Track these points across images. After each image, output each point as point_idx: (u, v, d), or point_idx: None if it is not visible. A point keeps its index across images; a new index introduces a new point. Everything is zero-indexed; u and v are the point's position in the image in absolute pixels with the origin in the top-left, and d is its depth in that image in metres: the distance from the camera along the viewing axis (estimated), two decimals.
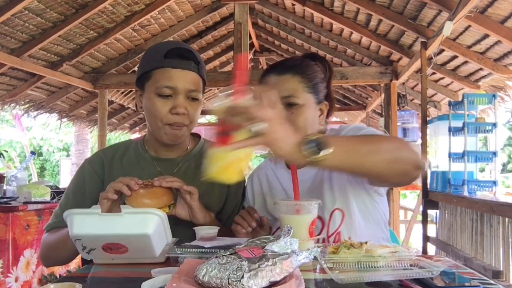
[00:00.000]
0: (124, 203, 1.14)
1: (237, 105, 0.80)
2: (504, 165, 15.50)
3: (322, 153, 0.85)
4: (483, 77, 4.22)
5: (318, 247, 0.86)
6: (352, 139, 1.04)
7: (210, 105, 1.11)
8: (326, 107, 1.31)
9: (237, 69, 0.87)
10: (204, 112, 7.85)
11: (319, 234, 1.23)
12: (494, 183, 3.59)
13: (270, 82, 1.25)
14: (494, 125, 3.70)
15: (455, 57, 4.13)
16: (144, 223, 1.00)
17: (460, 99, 4.06)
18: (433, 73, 4.47)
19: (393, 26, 4.16)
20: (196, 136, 1.49)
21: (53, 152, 16.06)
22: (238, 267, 0.70)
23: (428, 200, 3.69)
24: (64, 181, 11.35)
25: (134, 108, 6.78)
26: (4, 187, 3.52)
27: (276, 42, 6.80)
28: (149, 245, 1.01)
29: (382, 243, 1.09)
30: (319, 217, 1.22)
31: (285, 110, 1.18)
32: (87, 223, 1.01)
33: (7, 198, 3.30)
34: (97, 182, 1.36)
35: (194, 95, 1.29)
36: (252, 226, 1.16)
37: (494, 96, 3.78)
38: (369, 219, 1.26)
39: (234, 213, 1.40)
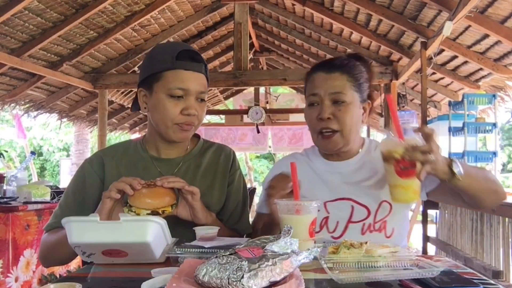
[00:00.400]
0: (127, 203, 1.15)
1: (417, 144, 1.05)
2: (504, 165, 15.49)
3: (459, 173, 1.10)
4: (483, 77, 4.22)
5: (318, 246, 0.86)
6: (471, 167, 1.22)
7: (381, 146, 1.28)
8: (369, 106, 1.38)
9: (391, 112, 1.12)
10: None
11: (364, 219, 1.29)
12: None
13: (318, 79, 1.30)
14: (494, 125, 3.70)
15: (455, 57, 4.13)
16: (143, 231, 0.98)
17: (460, 99, 4.07)
18: (433, 73, 4.47)
19: (393, 26, 4.16)
20: (195, 136, 1.49)
21: (53, 152, 16.05)
22: (238, 267, 0.70)
23: (428, 200, 3.69)
24: (64, 181, 11.34)
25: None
26: (4, 187, 3.52)
27: (276, 42, 6.80)
28: (149, 251, 1.00)
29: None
30: (364, 205, 1.29)
31: (332, 107, 1.27)
32: (85, 231, 0.99)
33: (7, 198, 3.30)
34: (97, 182, 1.36)
35: (202, 96, 1.32)
36: (288, 188, 1.17)
37: (494, 96, 3.78)
38: (405, 221, 1.39)
39: (235, 213, 1.41)
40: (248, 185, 1.51)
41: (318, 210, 1.26)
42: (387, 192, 1.25)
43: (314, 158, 1.41)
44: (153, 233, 0.99)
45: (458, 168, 1.10)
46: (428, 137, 1.07)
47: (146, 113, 1.36)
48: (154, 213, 1.13)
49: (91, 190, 1.34)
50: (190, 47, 1.36)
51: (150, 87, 1.30)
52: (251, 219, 1.46)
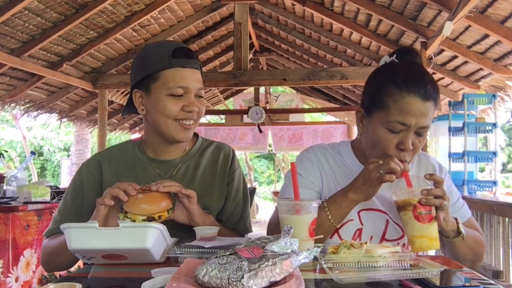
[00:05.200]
0: (122, 208, 1.13)
1: (432, 189, 1.08)
2: (504, 165, 15.49)
3: (463, 233, 1.16)
4: (483, 77, 4.22)
5: (318, 246, 0.86)
6: (471, 233, 1.23)
7: (394, 196, 1.14)
8: None
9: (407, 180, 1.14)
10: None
11: (399, 239, 1.24)
12: (494, 183, 3.59)
13: (412, 106, 1.12)
14: (494, 125, 3.70)
15: (455, 57, 4.13)
16: (143, 237, 0.98)
17: (460, 99, 4.06)
18: (433, 73, 4.46)
19: (393, 26, 4.16)
20: (194, 135, 1.48)
21: (54, 152, 16.05)
22: (238, 267, 0.70)
23: None
24: (65, 181, 11.33)
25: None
26: (4, 187, 3.51)
27: (276, 42, 6.80)
28: (149, 255, 1.00)
29: None
30: (398, 224, 1.24)
31: (413, 137, 1.16)
32: (84, 237, 0.99)
33: (7, 198, 3.30)
34: (95, 186, 1.34)
35: (201, 93, 1.31)
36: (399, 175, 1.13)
37: (494, 96, 3.78)
38: None
39: (234, 213, 1.39)
40: (248, 185, 1.49)
41: (352, 220, 1.24)
42: None
43: (349, 160, 1.33)
44: (152, 238, 0.98)
45: (463, 229, 1.16)
46: (439, 184, 1.11)
47: (142, 115, 1.33)
48: (150, 219, 1.11)
49: (90, 194, 1.33)
50: (183, 44, 1.34)
51: (147, 88, 1.28)
52: (252, 220, 1.45)
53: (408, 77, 1.14)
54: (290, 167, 1.15)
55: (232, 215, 1.39)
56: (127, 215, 1.11)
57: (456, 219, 1.16)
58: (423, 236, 1.08)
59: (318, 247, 0.88)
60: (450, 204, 1.17)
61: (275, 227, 1.25)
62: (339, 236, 1.23)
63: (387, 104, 1.15)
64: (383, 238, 1.25)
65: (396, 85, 1.14)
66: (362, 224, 1.25)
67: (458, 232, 1.15)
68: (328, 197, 1.24)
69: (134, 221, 1.10)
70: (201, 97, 1.32)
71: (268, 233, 1.25)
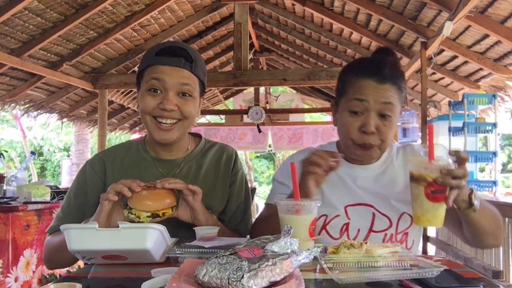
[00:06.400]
0: (126, 205, 1.14)
1: (452, 170, 1.03)
2: (504, 165, 15.49)
3: (477, 205, 1.10)
4: (483, 77, 4.22)
5: (318, 247, 0.86)
6: (485, 203, 1.19)
7: (410, 166, 1.27)
8: (400, 113, 1.27)
9: (429, 140, 1.09)
10: (203, 112, 7.85)
11: (386, 230, 1.25)
12: (494, 183, 3.60)
13: (366, 87, 1.17)
14: (494, 125, 3.70)
15: (455, 57, 4.13)
16: (143, 238, 0.98)
17: (460, 99, 4.07)
18: (433, 73, 4.47)
19: (393, 26, 4.16)
20: (197, 136, 1.48)
21: (54, 152, 16.04)
22: (238, 267, 0.70)
23: None
24: (65, 181, 11.33)
25: (135, 108, 6.77)
26: (4, 187, 3.51)
27: (276, 42, 6.80)
28: (149, 256, 1.00)
29: None
30: (385, 215, 1.25)
31: (377, 119, 1.17)
32: (84, 239, 0.99)
33: (7, 198, 3.30)
34: (99, 183, 1.35)
35: (186, 90, 1.27)
36: (332, 165, 1.14)
37: (494, 96, 3.78)
38: (421, 232, 1.36)
39: (236, 214, 1.40)
40: (248, 185, 1.50)
41: (338, 215, 1.26)
42: (408, 204, 1.18)
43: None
44: (152, 239, 0.98)
45: (476, 200, 1.10)
46: (462, 162, 1.05)
47: None
48: (154, 215, 1.12)
49: (93, 192, 1.34)
50: (179, 44, 1.34)
51: (139, 86, 1.33)
52: (253, 220, 1.45)
53: (365, 64, 1.23)
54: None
55: (234, 216, 1.39)
56: (131, 211, 1.12)
57: (471, 189, 1.11)
58: (429, 215, 1.05)
59: (318, 247, 0.88)
60: None
61: (260, 226, 1.29)
62: (327, 232, 1.25)
63: (347, 90, 1.22)
64: (370, 230, 1.26)
65: (353, 72, 1.22)
66: (349, 219, 1.26)
67: (470, 204, 1.10)
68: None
69: (138, 217, 1.12)
70: (189, 95, 1.28)
71: (253, 232, 1.29)
